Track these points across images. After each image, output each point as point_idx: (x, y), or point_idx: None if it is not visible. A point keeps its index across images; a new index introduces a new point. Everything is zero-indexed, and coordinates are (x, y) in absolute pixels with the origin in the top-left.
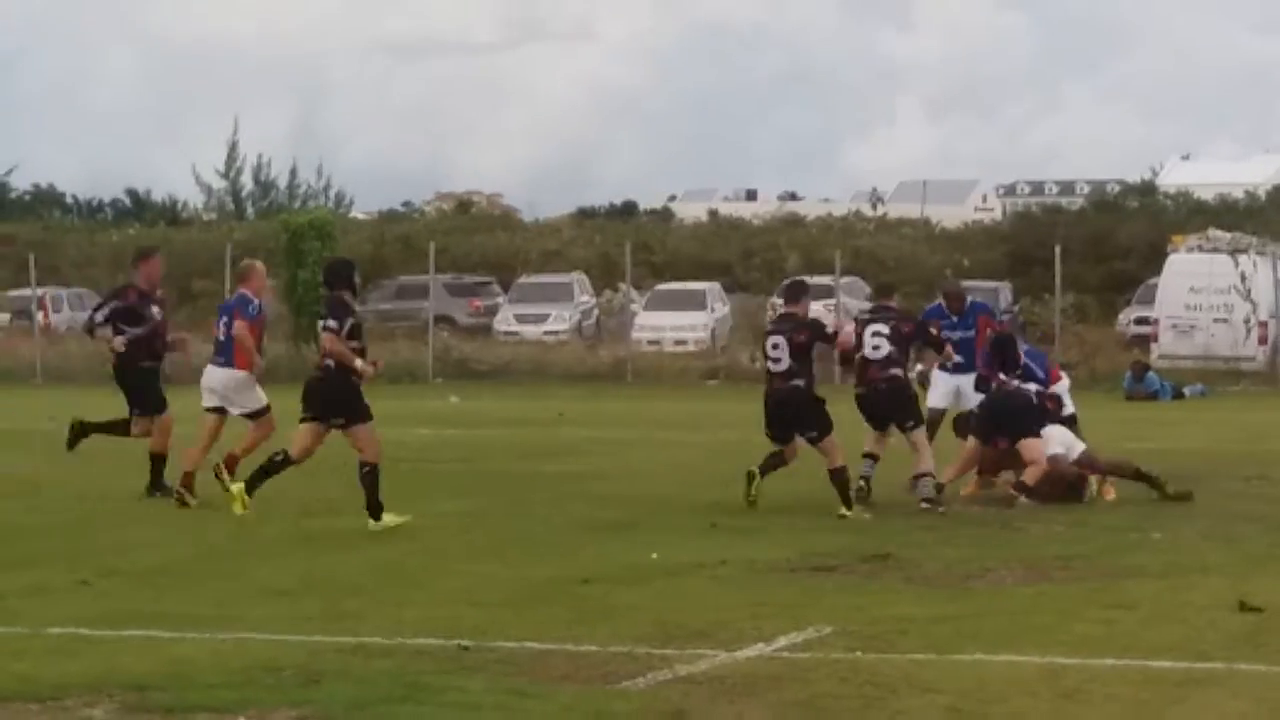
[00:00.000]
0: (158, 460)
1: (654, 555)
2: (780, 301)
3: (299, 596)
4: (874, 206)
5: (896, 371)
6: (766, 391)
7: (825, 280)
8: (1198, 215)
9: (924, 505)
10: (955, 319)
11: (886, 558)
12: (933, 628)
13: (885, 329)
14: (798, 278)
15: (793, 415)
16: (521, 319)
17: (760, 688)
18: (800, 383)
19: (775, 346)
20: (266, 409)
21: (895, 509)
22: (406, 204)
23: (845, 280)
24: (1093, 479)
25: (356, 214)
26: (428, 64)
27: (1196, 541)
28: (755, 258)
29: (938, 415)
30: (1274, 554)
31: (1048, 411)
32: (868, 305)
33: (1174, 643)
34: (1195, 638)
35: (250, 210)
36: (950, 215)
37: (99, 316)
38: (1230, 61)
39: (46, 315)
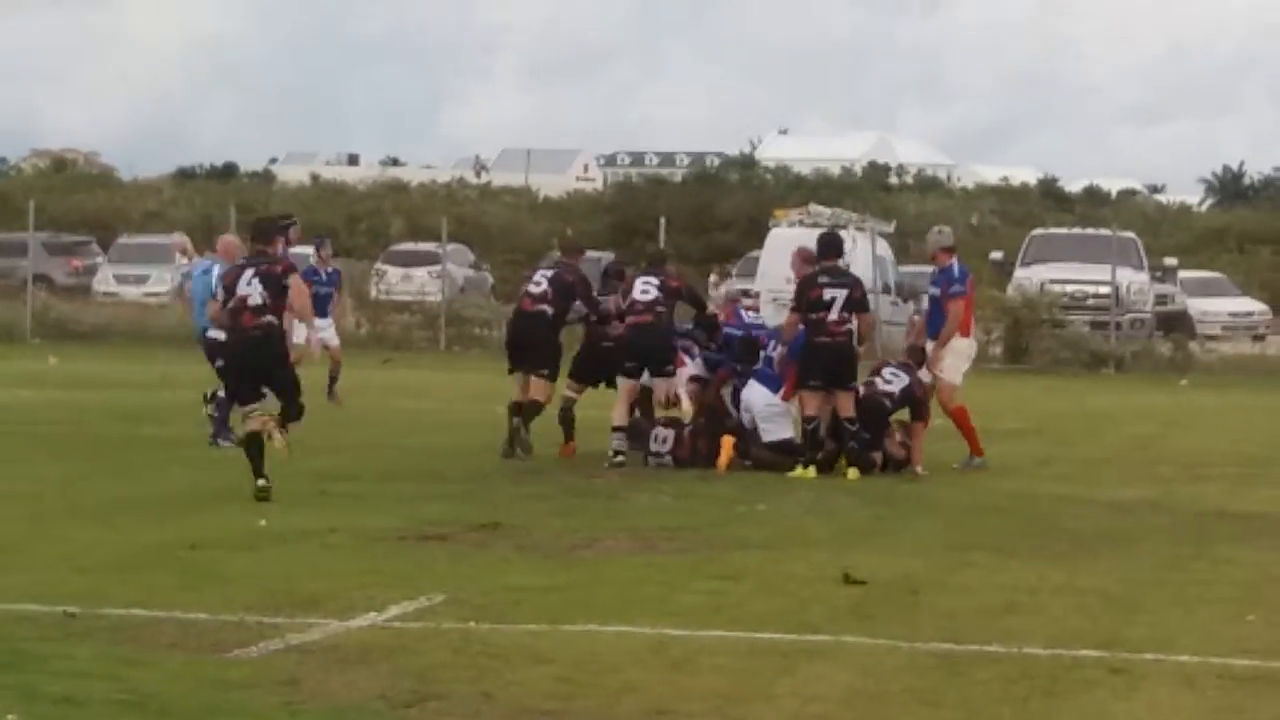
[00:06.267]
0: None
1: (263, 522)
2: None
3: None
4: (478, 174)
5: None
6: None
7: (430, 246)
8: (797, 189)
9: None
10: None
11: (496, 526)
12: (544, 597)
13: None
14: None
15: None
16: (121, 280)
17: (373, 657)
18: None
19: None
20: None
21: (502, 476)
22: (1, 160)
23: (451, 247)
24: None
25: None
26: (18, 16)
27: (800, 514)
28: (360, 223)
29: None
30: (875, 527)
31: None
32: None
33: (780, 614)
34: (801, 610)
35: None
36: (553, 184)
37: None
38: (823, 35)
39: None
